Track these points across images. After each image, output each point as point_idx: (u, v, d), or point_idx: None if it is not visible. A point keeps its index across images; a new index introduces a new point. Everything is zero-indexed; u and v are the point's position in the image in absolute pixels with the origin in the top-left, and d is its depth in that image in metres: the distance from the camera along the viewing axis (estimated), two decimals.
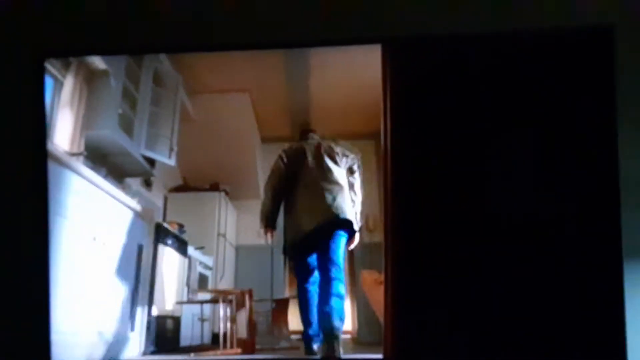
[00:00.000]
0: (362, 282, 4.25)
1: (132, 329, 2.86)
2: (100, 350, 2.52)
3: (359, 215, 2.87)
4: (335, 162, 2.82)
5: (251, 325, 3.11)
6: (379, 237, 4.52)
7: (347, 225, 2.78)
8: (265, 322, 3.95)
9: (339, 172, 2.77)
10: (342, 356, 2.79)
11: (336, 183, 2.71)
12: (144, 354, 2.90)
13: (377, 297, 3.23)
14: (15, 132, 2.30)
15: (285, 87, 4.07)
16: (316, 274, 2.70)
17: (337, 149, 2.88)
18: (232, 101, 4.14)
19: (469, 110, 2.15)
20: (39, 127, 2.21)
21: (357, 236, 2.86)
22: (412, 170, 2.16)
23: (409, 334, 2.10)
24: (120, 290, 2.79)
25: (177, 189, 4.48)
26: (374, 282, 3.37)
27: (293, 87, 4.03)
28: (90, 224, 2.47)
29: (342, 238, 2.73)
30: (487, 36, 2.17)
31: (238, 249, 4.74)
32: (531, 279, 2.08)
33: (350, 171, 2.87)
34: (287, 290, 5.25)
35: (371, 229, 4.81)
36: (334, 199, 2.65)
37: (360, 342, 4.33)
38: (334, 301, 2.62)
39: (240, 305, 3.15)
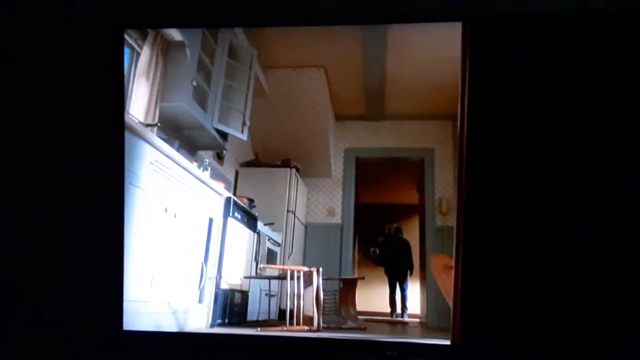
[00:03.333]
0: (432, 266, 4.19)
1: (201, 300, 2.89)
2: (169, 320, 2.56)
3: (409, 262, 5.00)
4: (404, 250, 4.97)
5: (318, 303, 3.09)
6: (451, 220, 4.45)
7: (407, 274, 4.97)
8: (333, 301, 3.94)
9: (406, 252, 4.95)
10: (409, 340, 2.77)
11: (404, 257, 4.96)
12: (211, 325, 2.93)
13: (447, 282, 3.17)
14: (94, 102, 2.33)
15: (361, 64, 4.01)
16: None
17: (406, 244, 5.03)
18: (306, 77, 4.11)
19: (553, 94, 2.03)
20: (117, 98, 2.23)
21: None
22: (488, 153, 2.08)
23: (477, 320, 2.05)
24: (190, 262, 2.82)
25: (249, 164, 4.51)
26: (443, 267, 3.31)
27: (369, 64, 3.97)
28: (162, 195, 2.49)
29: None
30: (575, 14, 2.04)
31: (307, 226, 4.75)
32: (609, 273, 1.98)
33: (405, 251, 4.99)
34: (356, 271, 5.26)
35: (444, 212, 4.73)
36: (405, 265, 4.97)
37: (428, 327, 4.29)
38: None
39: (307, 282, 3.14)
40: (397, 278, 5.03)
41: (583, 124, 2.03)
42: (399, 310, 5.01)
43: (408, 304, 4.95)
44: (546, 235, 2.04)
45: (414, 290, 5.05)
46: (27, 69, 2.35)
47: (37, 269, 2.32)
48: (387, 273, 5.02)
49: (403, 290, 5.01)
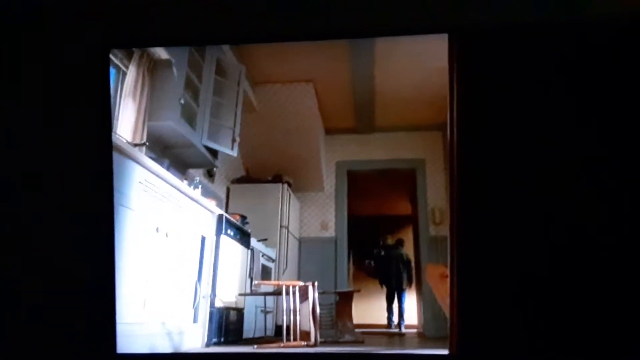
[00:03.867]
0: (427, 275, 4.19)
1: (195, 320, 2.86)
2: (164, 341, 2.53)
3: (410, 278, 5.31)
4: (404, 264, 5.26)
5: (315, 318, 3.08)
6: (444, 230, 4.45)
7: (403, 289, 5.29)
8: (329, 315, 3.93)
9: (404, 268, 5.22)
10: (407, 352, 2.77)
11: (401, 272, 5.23)
12: (207, 345, 2.91)
13: (443, 291, 3.16)
14: (80, 123, 2.31)
15: (349, 77, 4.02)
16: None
17: (406, 259, 5.30)
18: (295, 91, 4.11)
19: (540, 102, 2.04)
20: (104, 118, 2.22)
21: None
22: (479, 163, 2.08)
23: (475, 329, 2.04)
24: (183, 281, 2.80)
25: (240, 180, 4.51)
26: (439, 276, 3.30)
27: (358, 77, 3.98)
28: (153, 214, 2.47)
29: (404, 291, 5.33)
30: (560, 24, 2.05)
31: (301, 241, 4.75)
32: (605, 278, 1.98)
33: (408, 266, 5.26)
34: (351, 284, 5.26)
35: (437, 222, 4.74)
36: (403, 279, 5.21)
37: (425, 337, 4.28)
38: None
39: (303, 297, 3.12)
40: (395, 290, 5.24)
41: (570, 129, 2.04)
42: (395, 319, 5.19)
43: (405, 316, 5.03)
44: (539, 241, 2.04)
45: (410, 300, 5.05)
46: (11, 91, 2.34)
47: (26, 294, 2.29)
48: (385, 284, 5.27)
49: (401, 303, 5.20)
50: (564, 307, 2.00)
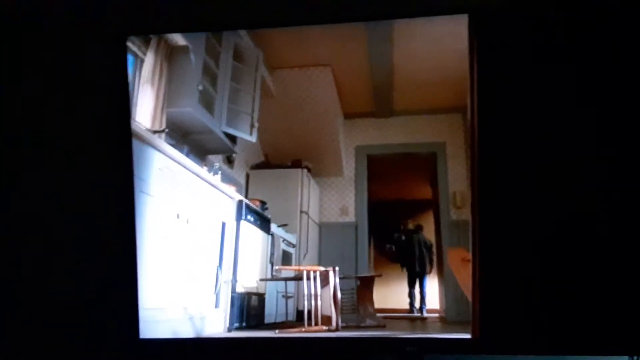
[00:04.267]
0: (449, 260, 4.16)
1: (217, 305, 2.88)
2: (186, 326, 2.55)
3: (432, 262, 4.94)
4: (427, 248, 4.88)
5: (336, 302, 3.08)
6: (466, 214, 4.42)
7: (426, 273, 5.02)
8: (350, 300, 3.93)
9: (427, 252, 4.88)
10: (429, 336, 2.76)
11: (424, 257, 4.92)
12: (229, 330, 2.92)
13: (465, 275, 3.14)
14: (99, 111, 2.33)
15: (367, 60, 3.99)
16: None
17: (428, 243, 4.95)
18: (313, 76, 4.09)
19: (561, 84, 2.01)
20: (123, 105, 2.23)
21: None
22: (499, 145, 2.07)
23: (497, 313, 2.04)
24: (204, 267, 2.81)
25: (259, 166, 4.50)
26: (461, 261, 3.28)
27: (376, 60, 3.95)
28: (173, 201, 2.49)
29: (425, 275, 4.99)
30: (584, 4, 2.01)
31: (321, 226, 4.74)
32: (629, 262, 1.95)
33: (430, 250, 4.88)
34: (372, 268, 5.24)
35: (459, 205, 4.69)
36: (424, 265, 4.91)
37: (447, 321, 4.26)
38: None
39: (324, 282, 3.13)
40: (416, 275, 5.16)
41: (595, 111, 2.01)
42: (417, 304, 5.14)
43: (427, 300, 5.01)
44: (563, 224, 2.02)
45: (432, 285, 5.04)
46: (30, 80, 2.36)
47: (50, 282, 2.32)
48: (408, 269, 5.14)
49: (422, 287, 5.03)
50: (588, 290, 1.98)
